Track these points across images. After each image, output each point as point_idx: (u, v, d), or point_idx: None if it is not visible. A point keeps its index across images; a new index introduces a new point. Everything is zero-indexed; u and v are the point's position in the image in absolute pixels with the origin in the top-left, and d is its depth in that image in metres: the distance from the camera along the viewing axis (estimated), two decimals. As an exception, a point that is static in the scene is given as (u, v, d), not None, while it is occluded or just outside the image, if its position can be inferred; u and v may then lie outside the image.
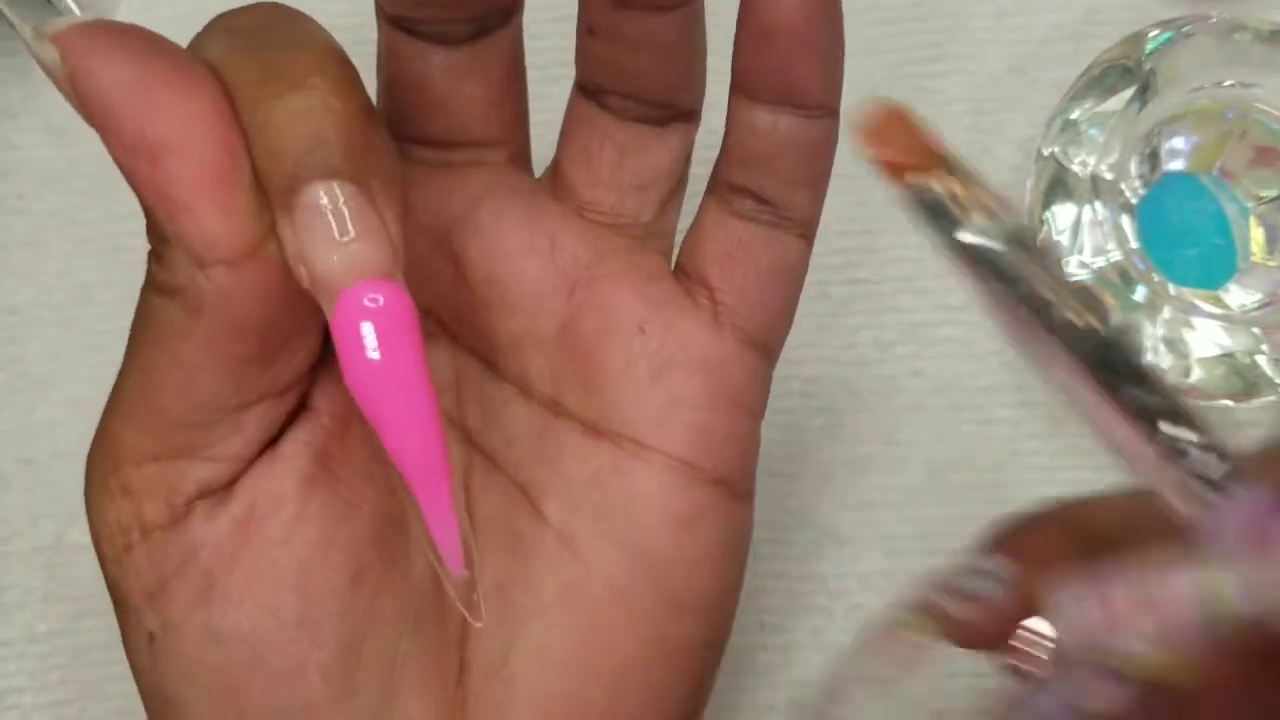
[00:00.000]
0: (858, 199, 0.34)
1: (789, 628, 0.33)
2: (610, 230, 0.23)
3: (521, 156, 0.23)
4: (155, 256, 0.18)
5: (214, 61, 0.18)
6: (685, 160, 0.23)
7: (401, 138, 0.22)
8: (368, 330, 0.17)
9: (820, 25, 0.20)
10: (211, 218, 0.17)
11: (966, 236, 0.13)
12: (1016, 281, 0.13)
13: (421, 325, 0.17)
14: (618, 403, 0.22)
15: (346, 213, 0.17)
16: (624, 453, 0.22)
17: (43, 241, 0.35)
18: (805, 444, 0.33)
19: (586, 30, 0.21)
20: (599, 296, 0.22)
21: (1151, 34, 0.31)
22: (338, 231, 0.17)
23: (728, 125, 0.22)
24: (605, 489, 0.22)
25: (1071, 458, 0.33)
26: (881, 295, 0.34)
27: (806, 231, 0.23)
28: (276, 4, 0.19)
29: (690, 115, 0.23)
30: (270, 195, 0.17)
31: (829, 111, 0.21)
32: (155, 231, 0.18)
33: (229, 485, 0.20)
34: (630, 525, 0.22)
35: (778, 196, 0.22)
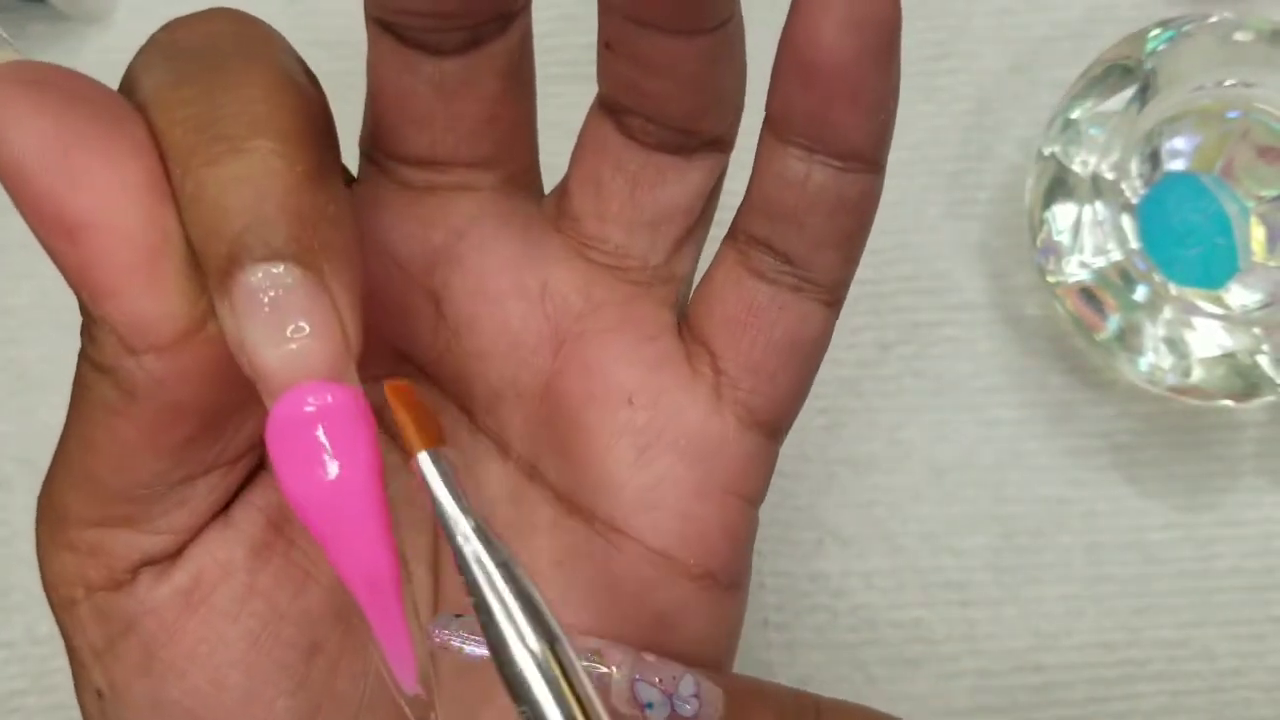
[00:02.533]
0: (859, 198, 0.35)
1: (793, 626, 0.33)
2: (611, 273, 0.20)
3: (521, 179, 0.20)
4: (85, 331, 0.16)
5: (147, 102, 0.16)
6: (709, 196, 0.20)
7: (384, 154, 0.20)
8: (306, 439, 0.15)
9: (869, 68, 0.17)
10: (140, 302, 0.15)
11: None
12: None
13: (375, 426, 0.15)
14: (596, 480, 0.20)
15: (291, 300, 0.14)
16: (598, 536, 0.20)
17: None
18: (808, 444, 0.33)
19: (605, 44, 0.19)
20: (587, 356, 0.20)
21: (1152, 33, 0.31)
22: (280, 323, 0.14)
23: (755, 168, 0.19)
24: (575, 572, 0.20)
25: (1072, 458, 0.33)
26: (882, 295, 0.34)
27: (833, 298, 0.20)
28: (233, 14, 0.17)
29: (720, 144, 0.20)
30: (207, 275, 0.15)
31: (871, 166, 0.19)
32: (82, 306, 0.16)
33: (175, 554, 0.18)
34: (599, 615, 0.20)
35: (802, 256, 0.19)
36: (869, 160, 0.18)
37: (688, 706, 0.19)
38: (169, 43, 0.16)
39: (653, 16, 0.18)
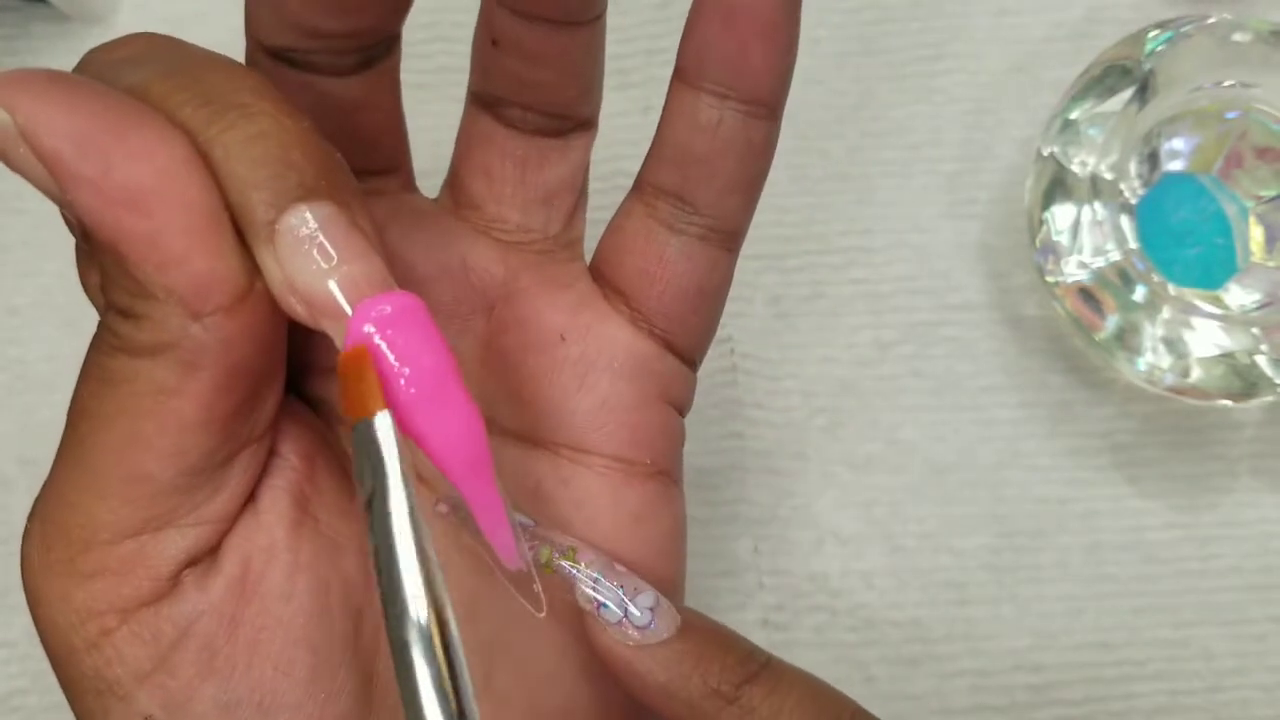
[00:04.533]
0: (858, 199, 0.35)
1: (792, 626, 0.33)
2: (518, 247, 0.22)
3: (410, 182, 0.23)
4: (127, 317, 0.17)
5: (140, 95, 0.16)
6: (585, 169, 0.23)
7: None
8: (384, 345, 0.16)
9: (782, 11, 0.19)
10: (204, 263, 0.16)
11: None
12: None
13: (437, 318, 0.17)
14: (549, 412, 0.22)
15: (332, 233, 0.16)
16: (563, 459, 0.22)
17: (43, 241, 0.34)
18: (806, 443, 0.34)
19: (490, 42, 0.21)
20: (517, 311, 0.22)
21: (1151, 34, 0.31)
22: (326, 254, 0.16)
23: (664, 120, 0.21)
24: (552, 497, 0.22)
25: (1071, 458, 0.33)
26: (882, 295, 0.34)
27: (733, 244, 0.22)
28: (150, 34, 0.18)
29: (589, 124, 0.22)
30: (248, 228, 0.16)
31: (773, 113, 0.21)
32: (128, 289, 0.16)
33: (215, 549, 0.18)
34: (584, 527, 0.22)
35: (710, 202, 0.21)
36: (772, 105, 0.21)
37: (640, 616, 0.20)
38: (111, 60, 0.17)
39: (548, 10, 0.20)
